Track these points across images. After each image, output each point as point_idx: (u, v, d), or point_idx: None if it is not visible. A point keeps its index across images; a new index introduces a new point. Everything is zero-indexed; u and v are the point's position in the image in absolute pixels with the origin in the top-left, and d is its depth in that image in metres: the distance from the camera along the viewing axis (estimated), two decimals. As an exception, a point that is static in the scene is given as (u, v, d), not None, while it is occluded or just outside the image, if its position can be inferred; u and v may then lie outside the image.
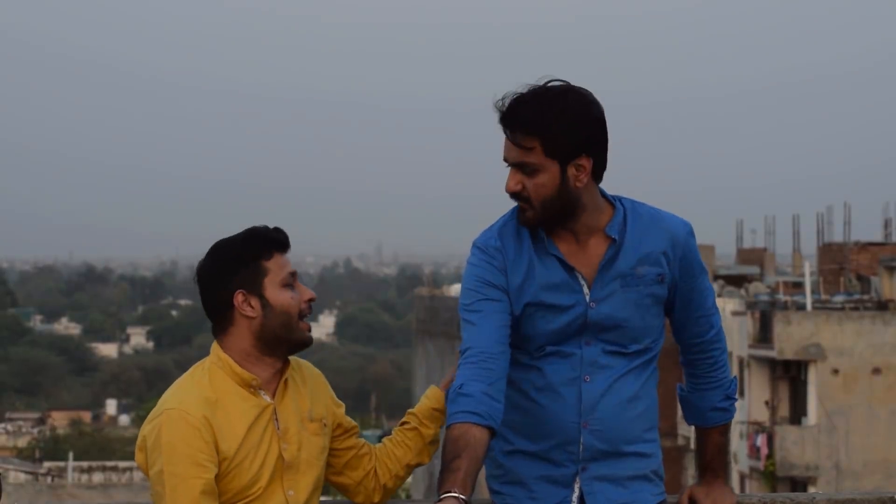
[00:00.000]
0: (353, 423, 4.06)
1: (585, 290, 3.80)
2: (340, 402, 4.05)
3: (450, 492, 3.48)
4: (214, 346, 3.83)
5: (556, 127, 3.72)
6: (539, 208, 3.76)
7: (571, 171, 3.75)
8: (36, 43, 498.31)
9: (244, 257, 3.79)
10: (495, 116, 3.80)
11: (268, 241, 3.82)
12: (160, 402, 3.75)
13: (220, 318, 3.81)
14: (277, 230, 3.85)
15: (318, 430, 3.89)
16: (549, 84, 3.77)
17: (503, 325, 3.79)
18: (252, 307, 3.77)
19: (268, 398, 3.81)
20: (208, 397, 3.73)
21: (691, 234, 3.90)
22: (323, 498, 4.03)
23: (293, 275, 3.83)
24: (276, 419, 3.80)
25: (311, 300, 3.85)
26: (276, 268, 3.80)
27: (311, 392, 3.93)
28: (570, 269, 3.80)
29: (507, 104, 3.77)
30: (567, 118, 3.73)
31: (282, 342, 3.81)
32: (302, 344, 3.84)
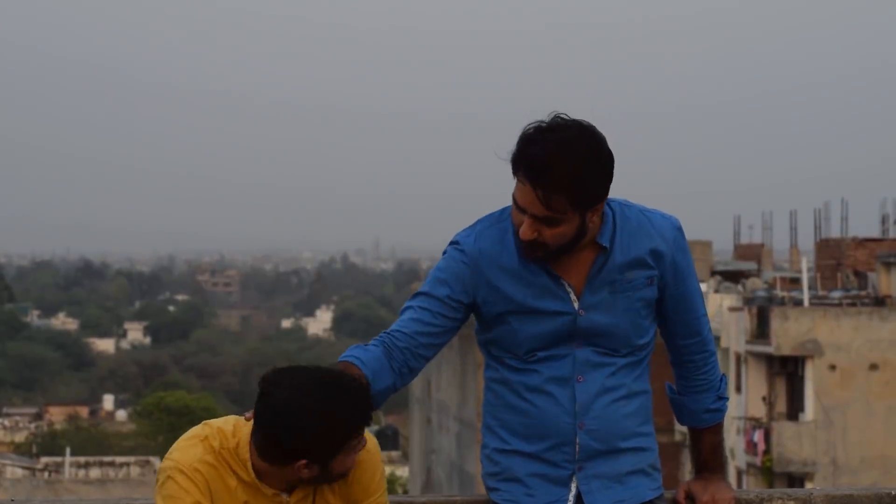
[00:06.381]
0: None
1: (573, 297, 3.72)
2: (378, 488, 3.64)
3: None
4: (242, 435, 3.50)
5: (587, 183, 3.54)
6: (553, 252, 3.65)
7: (589, 215, 3.63)
8: (33, 43, 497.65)
9: (334, 439, 3.42)
10: (508, 162, 3.54)
11: (361, 422, 3.46)
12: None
13: (272, 452, 3.46)
14: (372, 401, 3.51)
15: None
16: (561, 124, 3.54)
17: (428, 325, 3.72)
18: (309, 471, 3.47)
19: (285, 496, 3.55)
20: (208, 461, 3.49)
21: (680, 230, 3.81)
22: None
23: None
24: None
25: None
26: (354, 443, 3.48)
27: (346, 488, 3.60)
28: (555, 278, 3.71)
29: (527, 153, 3.53)
30: (594, 170, 3.55)
31: None
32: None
